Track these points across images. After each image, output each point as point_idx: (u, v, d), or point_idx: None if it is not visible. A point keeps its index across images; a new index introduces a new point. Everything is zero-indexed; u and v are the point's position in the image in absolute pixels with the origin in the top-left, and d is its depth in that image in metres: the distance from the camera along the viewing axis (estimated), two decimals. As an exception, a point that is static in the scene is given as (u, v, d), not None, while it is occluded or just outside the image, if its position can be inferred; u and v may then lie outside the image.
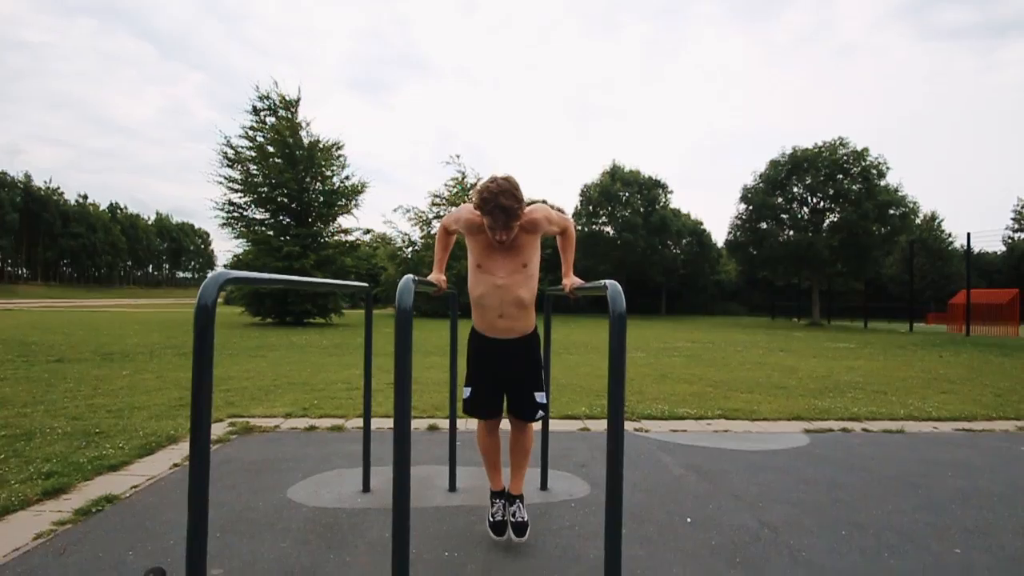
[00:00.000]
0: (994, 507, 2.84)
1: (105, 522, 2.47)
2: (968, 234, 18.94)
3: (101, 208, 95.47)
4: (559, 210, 2.60)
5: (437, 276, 2.45)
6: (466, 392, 2.43)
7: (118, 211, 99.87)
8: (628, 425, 4.47)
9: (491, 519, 2.38)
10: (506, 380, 2.39)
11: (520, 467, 2.46)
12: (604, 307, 1.43)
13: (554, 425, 4.05)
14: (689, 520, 2.62)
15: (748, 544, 2.37)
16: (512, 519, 2.35)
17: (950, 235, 44.05)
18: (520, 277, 2.30)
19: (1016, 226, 47.65)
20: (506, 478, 2.54)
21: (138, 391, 5.54)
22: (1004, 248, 43.29)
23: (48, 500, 2.69)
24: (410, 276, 1.55)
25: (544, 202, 2.43)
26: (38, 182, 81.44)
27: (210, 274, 1.27)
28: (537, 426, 2.74)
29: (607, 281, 1.50)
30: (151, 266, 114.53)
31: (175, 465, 3.28)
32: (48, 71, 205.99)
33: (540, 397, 2.41)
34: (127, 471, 3.16)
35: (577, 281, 2.40)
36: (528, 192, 2.76)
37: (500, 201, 2.11)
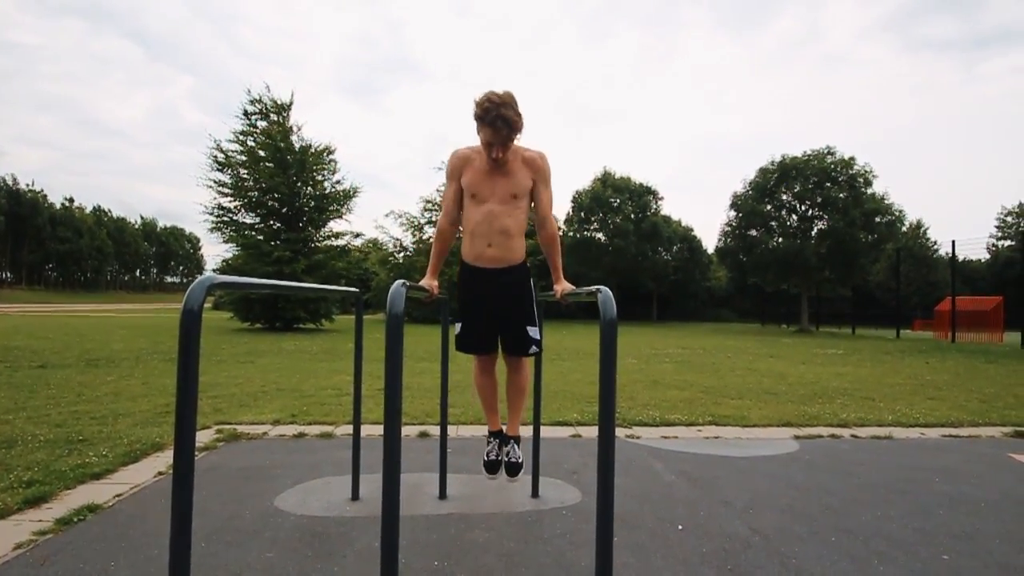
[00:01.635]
0: (981, 513, 2.86)
1: (87, 532, 2.42)
2: (953, 242, 19.31)
3: (86, 211, 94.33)
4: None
5: (429, 281, 2.43)
6: (457, 328, 2.43)
7: (104, 215, 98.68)
8: (619, 431, 4.46)
9: (485, 458, 2.41)
10: (497, 314, 2.38)
11: (516, 407, 2.48)
12: (595, 313, 1.42)
13: (545, 432, 4.04)
14: (680, 527, 2.62)
15: (739, 551, 2.37)
16: (507, 459, 2.37)
17: (935, 243, 44.85)
18: (509, 207, 2.32)
19: (999, 234, 48.51)
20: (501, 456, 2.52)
21: (123, 398, 5.45)
22: (988, 256, 44.05)
23: (29, 509, 2.63)
24: (401, 281, 1.53)
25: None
26: (22, 185, 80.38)
27: (197, 278, 1.25)
28: (534, 430, 2.73)
29: (599, 287, 1.50)
30: (139, 270, 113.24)
31: (160, 473, 3.22)
32: (34, 72, 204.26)
33: (533, 332, 2.41)
34: (110, 479, 3.10)
35: (568, 287, 2.40)
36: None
37: (502, 112, 2.12)
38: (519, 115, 2.20)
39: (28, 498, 2.70)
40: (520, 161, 2.33)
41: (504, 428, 2.49)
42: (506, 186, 2.32)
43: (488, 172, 2.32)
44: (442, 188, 27.37)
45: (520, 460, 2.37)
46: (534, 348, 2.43)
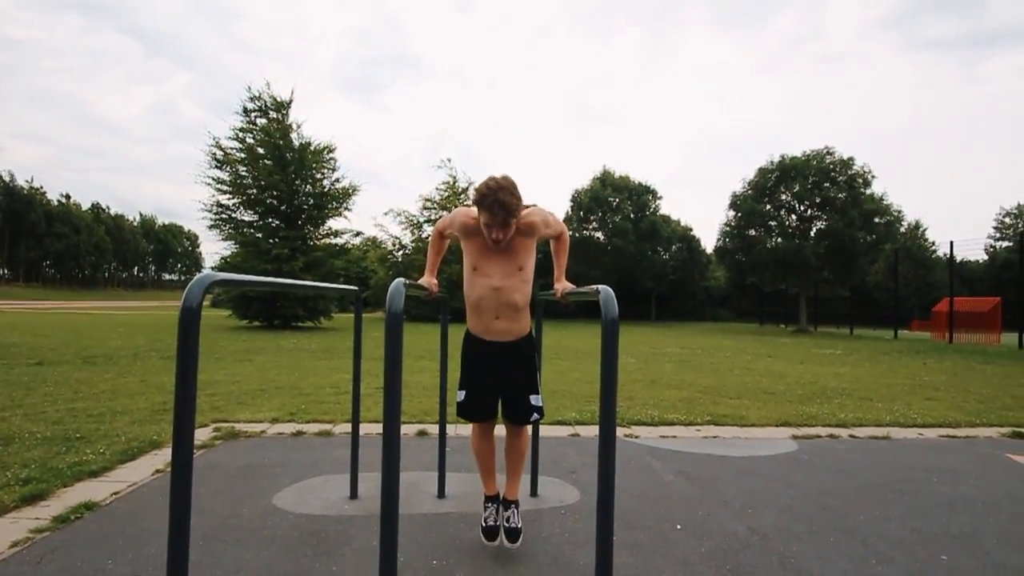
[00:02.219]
0: (979, 513, 2.87)
1: (84, 530, 2.41)
2: (951, 243, 19.30)
3: (84, 208, 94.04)
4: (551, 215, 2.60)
5: (428, 280, 2.43)
6: (460, 395, 2.41)
7: (101, 211, 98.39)
8: (618, 431, 4.45)
9: (484, 524, 2.36)
10: (501, 384, 2.37)
11: (515, 472, 2.43)
12: (595, 312, 1.42)
13: (544, 431, 4.04)
14: (679, 527, 2.62)
15: (738, 551, 2.37)
16: (506, 524, 2.32)
17: (933, 243, 44.89)
18: (515, 280, 2.29)
19: (998, 235, 48.61)
20: (501, 486, 2.52)
21: (121, 395, 5.44)
22: (986, 257, 44.13)
23: (26, 507, 2.62)
24: (401, 279, 1.53)
25: (534, 205, 2.42)
26: (20, 181, 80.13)
27: (196, 276, 1.24)
28: (533, 430, 2.72)
29: (600, 286, 1.49)
30: (136, 268, 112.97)
31: (157, 471, 3.21)
32: (32, 68, 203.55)
33: (535, 400, 2.39)
34: (108, 477, 3.09)
35: (569, 286, 2.40)
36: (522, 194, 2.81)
37: (499, 196, 2.11)
38: (518, 199, 2.16)
39: (25, 496, 2.70)
40: (518, 232, 2.28)
41: (501, 492, 2.43)
42: (511, 260, 2.29)
43: (491, 247, 2.28)
44: (441, 186, 27.46)
45: (520, 526, 2.30)
46: (535, 416, 2.40)
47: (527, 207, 2.32)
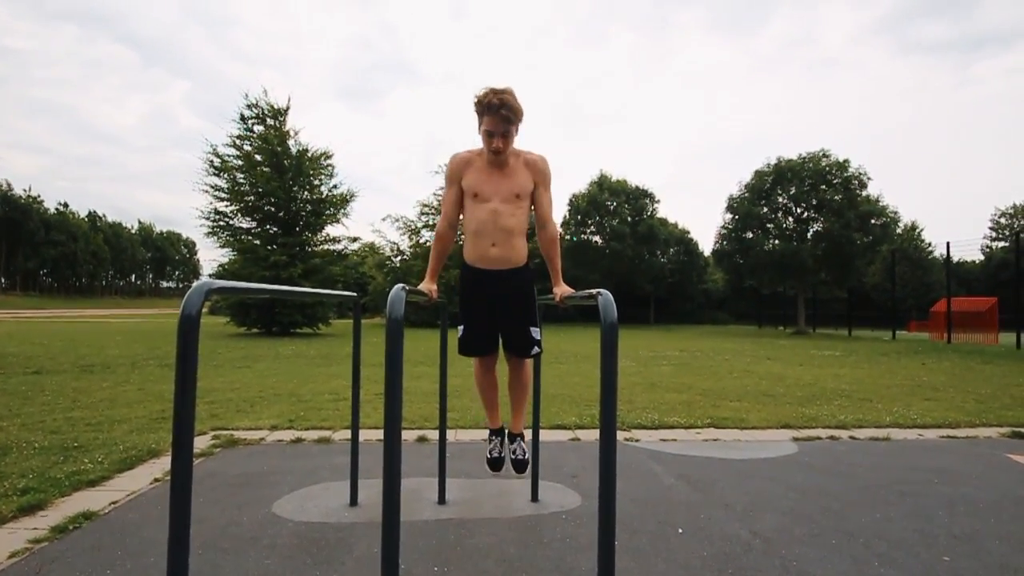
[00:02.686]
0: (980, 514, 2.86)
1: (83, 540, 2.40)
2: (947, 243, 19.34)
3: (80, 216, 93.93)
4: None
5: (428, 285, 2.42)
6: (460, 331, 2.42)
7: (98, 220, 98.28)
8: (619, 435, 4.44)
9: (488, 456, 2.39)
10: (500, 316, 2.39)
11: (519, 406, 2.47)
12: (594, 316, 1.42)
13: (544, 435, 4.03)
14: (681, 530, 2.61)
15: (740, 554, 2.36)
16: (512, 456, 2.35)
17: (930, 244, 45.04)
18: (512, 207, 2.34)
19: (994, 235, 48.76)
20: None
21: (119, 404, 5.41)
22: (982, 257, 44.26)
23: (24, 517, 2.60)
24: (401, 285, 1.53)
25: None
26: (18, 190, 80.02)
27: (194, 284, 1.24)
28: (534, 431, 2.72)
29: (598, 290, 1.49)
30: (134, 275, 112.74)
31: (156, 480, 3.20)
32: (28, 78, 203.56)
33: (535, 332, 2.43)
34: (106, 486, 3.08)
35: (567, 290, 2.40)
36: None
37: (503, 98, 2.17)
38: (519, 104, 2.25)
39: (23, 506, 2.68)
40: (522, 163, 2.37)
41: (506, 427, 2.49)
42: (509, 186, 2.35)
43: (490, 172, 2.36)
44: (439, 192, 27.49)
45: (526, 458, 2.36)
46: (536, 349, 2.43)
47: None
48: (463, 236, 2.44)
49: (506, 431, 2.48)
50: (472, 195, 2.38)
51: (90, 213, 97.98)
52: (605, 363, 1.38)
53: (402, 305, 1.45)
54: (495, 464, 2.39)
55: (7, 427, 4.32)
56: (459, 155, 2.43)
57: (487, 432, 2.51)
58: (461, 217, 2.49)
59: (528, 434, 2.52)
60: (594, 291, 1.52)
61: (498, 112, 2.19)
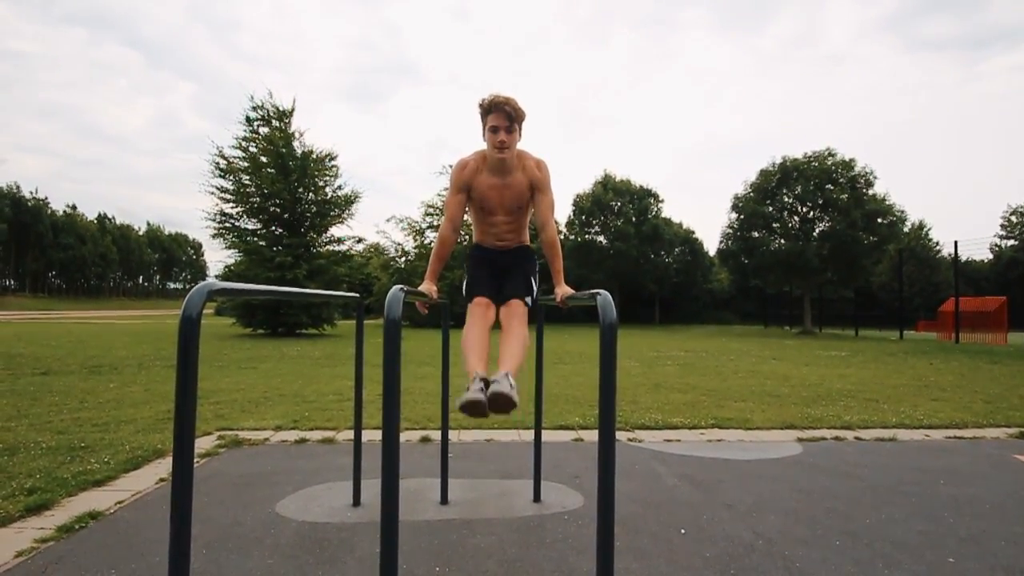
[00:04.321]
0: (987, 515, 2.84)
1: (88, 539, 2.42)
2: (955, 242, 19.19)
3: (89, 219, 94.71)
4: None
5: (428, 286, 2.43)
6: (465, 281, 2.58)
7: (107, 221, 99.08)
8: (622, 435, 4.45)
9: (464, 399, 1.81)
10: (502, 282, 2.53)
11: (513, 351, 2.10)
12: (596, 316, 1.43)
13: (547, 436, 4.03)
14: (683, 531, 2.60)
15: (742, 555, 2.36)
16: (497, 389, 1.83)
17: (938, 243, 44.65)
18: (514, 217, 2.53)
19: (1003, 234, 48.26)
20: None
21: (125, 404, 5.46)
22: (991, 256, 43.84)
23: (31, 516, 2.63)
24: (399, 286, 1.53)
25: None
26: (26, 192, 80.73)
27: (196, 285, 1.25)
28: (535, 432, 2.71)
29: (598, 291, 1.49)
30: (141, 277, 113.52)
31: (161, 480, 3.22)
32: (35, 80, 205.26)
33: (533, 285, 2.57)
34: (112, 486, 3.10)
35: (568, 291, 2.40)
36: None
37: (508, 98, 2.31)
38: (522, 107, 2.36)
39: (30, 505, 2.71)
40: (522, 170, 2.46)
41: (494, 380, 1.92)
42: (512, 198, 2.48)
43: (494, 181, 2.44)
44: (443, 192, 27.55)
45: (513, 393, 1.80)
46: (529, 298, 2.50)
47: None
48: (466, 237, 2.50)
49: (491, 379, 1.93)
50: (478, 206, 2.53)
51: (99, 215, 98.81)
52: (604, 363, 1.38)
53: (399, 306, 1.45)
54: (473, 407, 1.78)
55: (15, 427, 4.36)
56: (464, 162, 2.50)
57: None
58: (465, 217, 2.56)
59: (530, 434, 2.51)
60: (594, 292, 1.53)
61: (502, 108, 2.30)
